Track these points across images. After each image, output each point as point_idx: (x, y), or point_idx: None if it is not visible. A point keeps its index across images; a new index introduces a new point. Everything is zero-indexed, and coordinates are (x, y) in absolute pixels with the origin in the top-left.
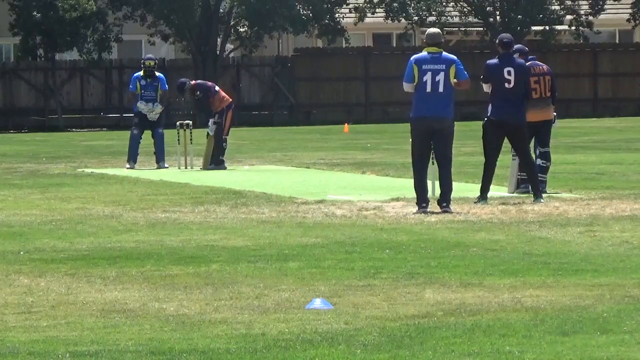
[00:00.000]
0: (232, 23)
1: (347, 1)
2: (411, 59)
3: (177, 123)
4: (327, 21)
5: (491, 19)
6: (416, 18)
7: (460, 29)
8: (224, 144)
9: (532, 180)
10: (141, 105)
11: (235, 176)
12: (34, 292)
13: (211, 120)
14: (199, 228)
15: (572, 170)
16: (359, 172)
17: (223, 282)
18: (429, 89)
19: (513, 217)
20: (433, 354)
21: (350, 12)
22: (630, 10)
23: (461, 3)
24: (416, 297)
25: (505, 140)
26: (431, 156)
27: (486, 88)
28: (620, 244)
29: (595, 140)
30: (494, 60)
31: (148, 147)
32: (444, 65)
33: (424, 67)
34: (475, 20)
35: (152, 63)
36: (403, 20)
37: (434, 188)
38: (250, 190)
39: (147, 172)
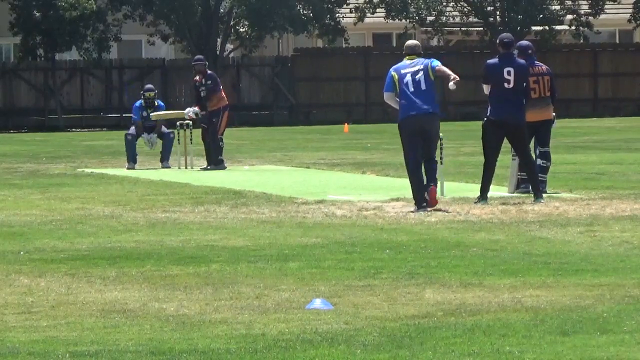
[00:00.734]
0: (232, 23)
1: (347, 1)
2: (390, 69)
3: (177, 123)
4: (327, 21)
5: (491, 19)
6: (416, 18)
7: (460, 29)
8: (220, 143)
9: (532, 180)
10: (144, 139)
11: (235, 176)
12: (34, 292)
13: (195, 109)
14: (199, 228)
15: (572, 170)
16: (359, 172)
17: (223, 282)
18: (412, 88)
19: (513, 217)
20: (433, 354)
21: (350, 12)
22: (630, 10)
23: (461, 3)
24: (416, 297)
25: (505, 140)
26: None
27: (486, 90)
28: (620, 244)
29: (595, 140)
30: (494, 60)
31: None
32: (422, 66)
33: (402, 71)
34: (475, 20)
35: (152, 94)
36: (403, 20)
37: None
38: (250, 190)
39: (147, 172)
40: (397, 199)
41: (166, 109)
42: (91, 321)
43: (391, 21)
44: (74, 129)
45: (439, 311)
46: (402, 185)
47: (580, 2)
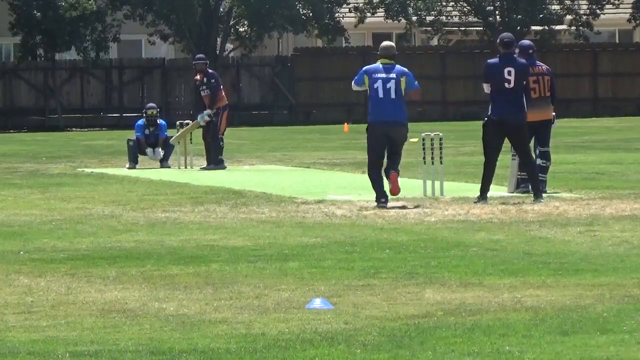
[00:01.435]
0: (232, 23)
1: (348, 1)
2: (363, 68)
3: (177, 123)
4: (327, 21)
5: (491, 19)
6: (415, 18)
7: (460, 29)
8: (220, 143)
9: (532, 180)
10: (148, 154)
11: (235, 176)
12: (34, 292)
13: (207, 112)
14: (199, 228)
15: (572, 170)
16: (359, 172)
17: (223, 282)
18: (381, 94)
19: (513, 217)
20: (433, 354)
21: (350, 11)
22: (630, 10)
23: (461, 3)
24: (416, 297)
25: (506, 140)
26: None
27: (486, 89)
28: (620, 244)
29: (595, 140)
30: (495, 60)
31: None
32: (395, 75)
33: (374, 76)
34: (475, 20)
35: (154, 112)
36: (402, 20)
37: (433, 188)
38: (250, 190)
39: (147, 172)
40: (397, 199)
41: (166, 109)
42: (91, 321)
43: (391, 21)
44: (74, 129)
45: (439, 311)
46: (402, 186)
47: (580, 2)
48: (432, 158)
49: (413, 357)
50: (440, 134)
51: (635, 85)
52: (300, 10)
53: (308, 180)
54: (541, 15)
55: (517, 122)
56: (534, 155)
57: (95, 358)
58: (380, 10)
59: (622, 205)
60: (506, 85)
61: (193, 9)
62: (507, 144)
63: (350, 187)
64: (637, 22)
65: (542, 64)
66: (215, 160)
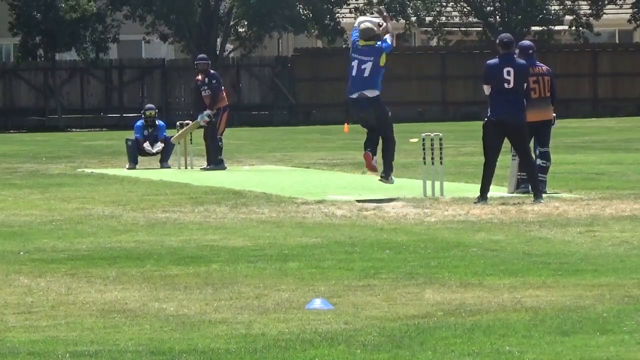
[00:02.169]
0: (232, 23)
1: (348, 1)
2: (352, 44)
3: (177, 123)
4: (327, 21)
5: (491, 19)
6: (414, 18)
7: (460, 29)
8: (219, 143)
9: (532, 180)
10: (147, 148)
11: (235, 176)
12: (34, 292)
13: (207, 112)
14: (199, 228)
15: (572, 170)
16: (359, 172)
17: (223, 282)
18: (354, 73)
19: (513, 217)
20: (433, 354)
21: (350, 12)
22: (630, 11)
23: (461, 3)
24: (416, 297)
25: (506, 140)
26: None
27: (487, 91)
28: (620, 244)
29: (595, 140)
30: (494, 60)
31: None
32: (373, 58)
33: (353, 55)
34: (475, 20)
35: (153, 113)
36: (402, 20)
37: (433, 188)
38: (250, 190)
39: (147, 172)
40: (397, 199)
41: (166, 109)
42: (91, 321)
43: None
44: (74, 129)
45: (439, 311)
46: (402, 185)
47: (580, 2)
48: (432, 158)
49: (413, 357)
50: (440, 134)
51: (635, 85)
52: (301, 10)
53: (308, 181)
54: (541, 16)
55: (516, 123)
56: (533, 156)
57: (95, 358)
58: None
59: (622, 206)
60: (506, 85)
61: (193, 10)
62: (507, 144)
63: (350, 187)
64: (638, 22)
65: (542, 64)
66: (215, 161)
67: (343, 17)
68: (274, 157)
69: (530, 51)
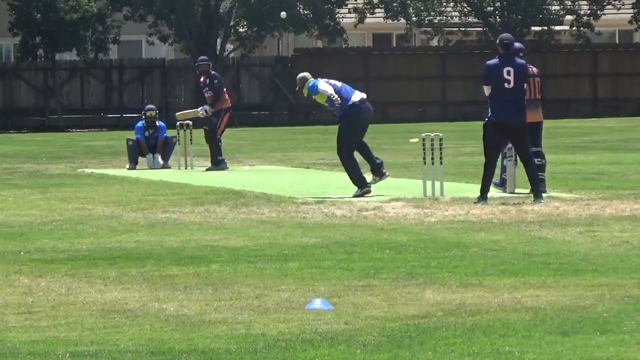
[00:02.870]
0: (232, 23)
1: (347, 2)
2: (313, 82)
3: (177, 123)
4: (327, 21)
5: (491, 19)
6: (415, 18)
7: (460, 29)
8: (219, 143)
9: (532, 181)
10: (148, 160)
11: (235, 176)
12: (34, 292)
13: (206, 107)
14: (199, 228)
15: (572, 170)
16: None
17: (223, 282)
18: (338, 84)
19: (513, 217)
20: (433, 354)
21: (349, 12)
22: (630, 11)
23: (461, 3)
24: (416, 297)
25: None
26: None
27: (487, 91)
28: (620, 244)
29: (595, 140)
30: (494, 61)
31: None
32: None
33: (319, 80)
34: (475, 20)
35: (153, 114)
36: (402, 20)
37: (433, 188)
38: (250, 190)
39: (147, 172)
40: (397, 199)
41: (166, 109)
42: (91, 321)
43: (390, 21)
44: (74, 129)
45: (439, 311)
46: (402, 185)
47: (581, 2)
48: (432, 158)
49: (413, 357)
50: (440, 134)
51: (635, 85)
52: (301, 10)
53: (308, 181)
54: (541, 16)
55: (517, 123)
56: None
57: (95, 358)
58: (380, 10)
59: (622, 206)
60: (506, 85)
61: (194, 9)
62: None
63: (350, 187)
64: (639, 23)
65: (532, 66)
66: (215, 161)
67: (343, 17)
68: (274, 157)
69: (521, 54)
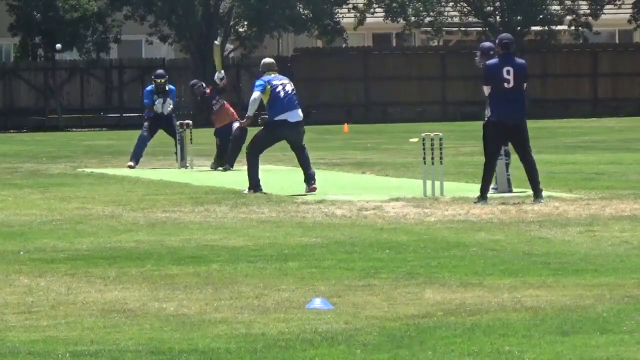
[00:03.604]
0: (232, 23)
1: (347, 1)
2: (263, 80)
3: (177, 123)
4: (327, 21)
5: (491, 19)
6: (414, 19)
7: (460, 29)
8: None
9: (531, 181)
10: (158, 105)
11: (235, 176)
12: (34, 292)
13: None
14: (199, 228)
15: (572, 170)
16: (359, 172)
17: (223, 282)
18: (282, 94)
19: (513, 217)
20: (433, 354)
21: (348, 11)
22: (630, 11)
23: (461, 3)
24: (416, 297)
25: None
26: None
27: (486, 91)
28: (620, 244)
29: (595, 140)
30: (494, 61)
31: (160, 146)
32: (287, 80)
33: (274, 82)
34: (475, 20)
35: (163, 80)
36: (402, 20)
37: (433, 188)
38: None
39: (147, 172)
40: (397, 199)
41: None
42: (91, 321)
43: (390, 21)
44: (74, 129)
45: (439, 311)
46: (402, 185)
47: (580, 2)
48: (432, 158)
49: (413, 357)
50: (440, 134)
51: (635, 85)
52: (301, 10)
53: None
54: (541, 16)
55: (517, 122)
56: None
57: (95, 358)
58: (380, 10)
59: (622, 206)
60: (505, 85)
61: (194, 9)
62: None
63: (350, 187)
64: (638, 22)
65: None
66: (231, 163)
67: (343, 17)
68: (274, 157)
69: (492, 52)
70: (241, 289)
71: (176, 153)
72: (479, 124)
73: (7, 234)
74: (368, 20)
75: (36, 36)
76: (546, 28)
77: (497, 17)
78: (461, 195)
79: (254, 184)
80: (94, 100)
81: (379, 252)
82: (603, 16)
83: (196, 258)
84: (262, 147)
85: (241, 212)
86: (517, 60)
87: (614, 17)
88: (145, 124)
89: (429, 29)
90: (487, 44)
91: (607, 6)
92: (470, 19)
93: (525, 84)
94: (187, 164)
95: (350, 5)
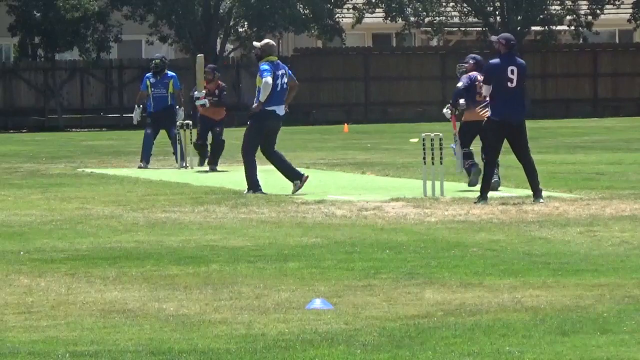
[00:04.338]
0: (231, 23)
1: (346, 1)
2: (269, 67)
3: (178, 123)
4: (327, 21)
5: (491, 19)
6: (414, 19)
7: (460, 29)
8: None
9: (531, 181)
10: (137, 112)
11: (235, 176)
12: (34, 292)
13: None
14: (199, 228)
15: (572, 170)
16: (359, 172)
17: (223, 282)
18: (278, 87)
19: (513, 217)
20: (433, 354)
21: (347, 11)
22: (630, 11)
23: (461, 3)
24: (416, 297)
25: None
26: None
27: (485, 91)
28: (620, 244)
29: (595, 140)
30: (496, 60)
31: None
32: (285, 70)
33: (277, 72)
34: (475, 20)
35: (158, 61)
36: (401, 20)
37: (433, 188)
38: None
39: (147, 172)
40: (397, 199)
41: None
42: (91, 321)
43: (390, 21)
44: (74, 129)
45: (439, 311)
46: (402, 185)
47: (580, 2)
48: (432, 158)
49: (413, 357)
50: (441, 134)
51: (635, 85)
52: (301, 10)
53: (308, 181)
54: (541, 16)
55: (518, 123)
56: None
57: (95, 358)
58: (380, 10)
59: (622, 206)
60: (509, 84)
61: (194, 9)
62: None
63: (350, 187)
64: (638, 22)
65: (477, 73)
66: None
67: (343, 17)
68: None
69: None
70: (241, 289)
71: (174, 153)
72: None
73: (7, 234)
74: (368, 20)
75: (36, 36)
76: (546, 28)
77: (497, 17)
78: (461, 196)
79: (254, 185)
80: (94, 100)
81: (379, 252)
82: (603, 16)
83: (196, 258)
84: (255, 142)
85: (241, 213)
86: (519, 60)
87: (614, 17)
88: (148, 120)
89: (429, 29)
90: (474, 55)
91: (607, 6)
92: (470, 19)
93: (524, 84)
94: (187, 164)
95: (350, 5)
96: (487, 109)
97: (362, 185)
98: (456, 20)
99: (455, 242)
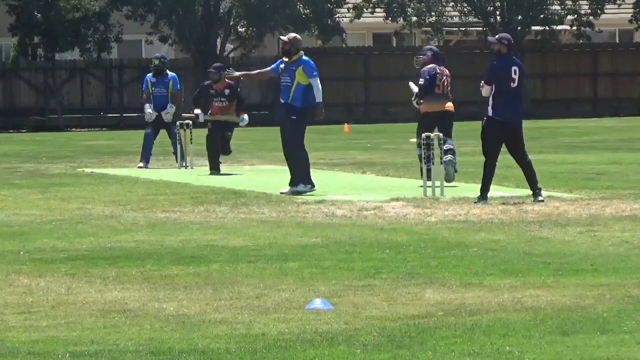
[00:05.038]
0: (231, 23)
1: (346, 0)
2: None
3: (177, 123)
4: (327, 21)
5: (491, 19)
6: (414, 19)
7: (460, 29)
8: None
9: (530, 181)
10: (148, 110)
11: (236, 176)
12: (34, 292)
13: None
14: (199, 228)
15: (572, 170)
16: (359, 172)
17: (223, 282)
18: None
19: (513, 217)
20: (433, 354)
21: (347, 11)
22: (630, 11)
23: (461, 3)
24: (416, 297)
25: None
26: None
27: (485, 92)
28: (620, 244)
29: (595, 140)
30: (499, 61)
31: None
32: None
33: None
34: (475, 20)
35: (157, 62)
36: (401, 20)
37: (433, 188)
38: (250, 190)
39: (147, 172)
40: (397, 199)
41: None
42: (91, 321)
43: (390, 21)
44: (74, 129)
45: (439, 311)
46: (402, 185)
47: (581, 2)
48: (433, 158)
49: (413, 357)
50: (441, 134)
51: (635, 85)
52: (301, 10)
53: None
54: (541, 16)
55: (517, 123)
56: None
57: (95, 358)
58: (380, 9)
59: (622, 206)
60: (512, 85)
61: (194, 9)
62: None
63: (350, 187)
64: (639, 22)
65: (444, 67)
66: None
67: (343, 17)
68: (274, 157)
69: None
70: (241, 289)
71: (174, 153)
72: (479, 124)
73: (7, 234)
74: (368, 20)
75: (36, 36)
76: (547, 28)
77: (498, 17)
78: (461, 196)
79: (308, 179)
80: (94, 100)
81: (379, 252)
82: (603, 16)
83: (196, 258)
84: (302, 138)
85: (241, 212)
86: (517, 60)
87: (615, 17)
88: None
89: (429, 28)
90: (435, 48)
91: (608, 6)
92: (470, 19)
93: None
94: (187, 164)
95: (350, 5)
96: (449, 101)
97: (363, 185)
98: (456, 20)
99: (455, 242)
